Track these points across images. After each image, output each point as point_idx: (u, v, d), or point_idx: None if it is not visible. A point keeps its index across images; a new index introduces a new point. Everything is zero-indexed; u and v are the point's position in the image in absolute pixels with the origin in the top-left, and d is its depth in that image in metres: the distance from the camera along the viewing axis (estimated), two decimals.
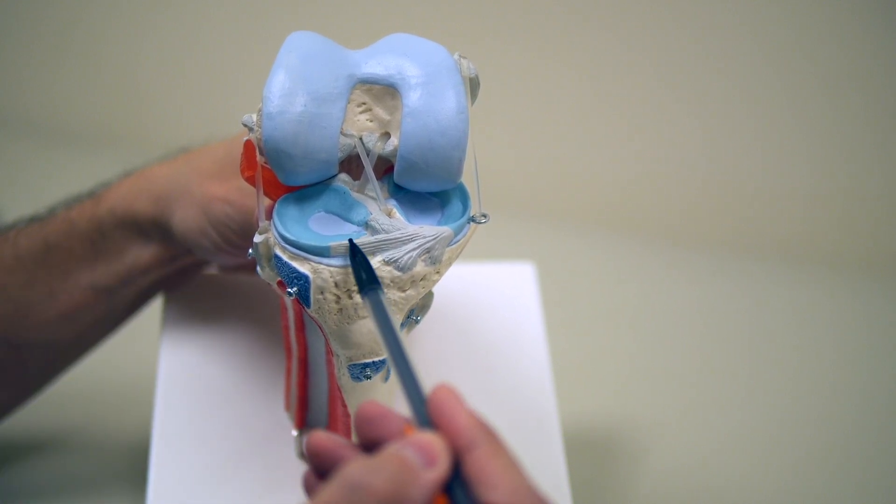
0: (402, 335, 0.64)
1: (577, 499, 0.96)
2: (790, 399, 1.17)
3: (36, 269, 0.89)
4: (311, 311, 0.71)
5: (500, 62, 1.44)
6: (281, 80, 0.69)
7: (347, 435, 0.78)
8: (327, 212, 0.72)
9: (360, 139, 0.72)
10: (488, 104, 1.16)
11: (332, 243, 0.69)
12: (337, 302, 0.70)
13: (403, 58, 0.71)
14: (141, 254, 0.89)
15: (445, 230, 0.71)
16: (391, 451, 0.56)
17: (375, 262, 0.70)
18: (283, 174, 0.70)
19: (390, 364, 0.61)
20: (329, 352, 0.75)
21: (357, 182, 0.73)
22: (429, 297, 0.74)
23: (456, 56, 0.72)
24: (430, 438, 0.57)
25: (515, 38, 1.43)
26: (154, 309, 1.02)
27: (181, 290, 0.94)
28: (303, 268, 0.70)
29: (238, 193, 0.83)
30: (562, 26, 1.42)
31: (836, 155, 1.40)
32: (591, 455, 1.09)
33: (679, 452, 1.10)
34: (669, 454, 1.10)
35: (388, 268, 0.70)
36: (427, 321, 0.92)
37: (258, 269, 0.73)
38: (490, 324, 0.94)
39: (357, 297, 0.70)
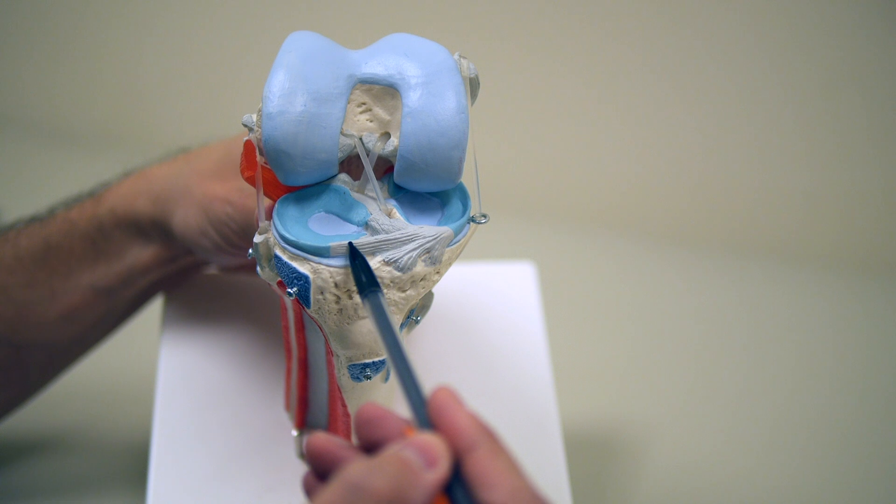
0: (402, 337, 0.64)
1: (577, 499, 0.95)
2: (790, 399, 1.17)
3: (36, 269, 0.89)
4: (311, 311, 0.71)
5: (500, 62, 1.44)
6: (281, 80, 0.69)
7: (347, 435, 0.78)
8: (327, 212, 0.72)
9: (360, 139, 0.72)
10: (488, 104, 1.16)
11: (332, 243, 0.69)
12: (337, 302, 0.70)
13: (403, 58, 0.71)
14: (141, 254, 0.89)
15: (445, 230, 0.71)
16: (391, 452, 0.56)
17: (375, 262, 0.70)
18: (283, 174, 0.70)
19: (390, 366, 0.61)
20: (329, 352, 0.75)
21: (357, 182, 0.73)
22: (429, 297, 0.74)
23: (456, 56, 0.72)
24: (430, 439, 0.57)
25: (515, 38, 1.43)
26: (154, 309, 1.02)
27: (181, 290, 0.94)
28: (303, 268, 0.70)
29: (238, 193, 0.83)
30: (562, 26, 1.42)
31: (836, 155, 1.40)
32: (591, 455, 1.09)
33: (679, 452, 1.10)
34: (669, 454, 1.10)
35: (388, 268, 0.70)
36: (427, 321, 0.92)
37: (258, 269, 0.73)
38: (490, 324, 0.94)
39: (357, 298, 0.70)
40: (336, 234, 0.71)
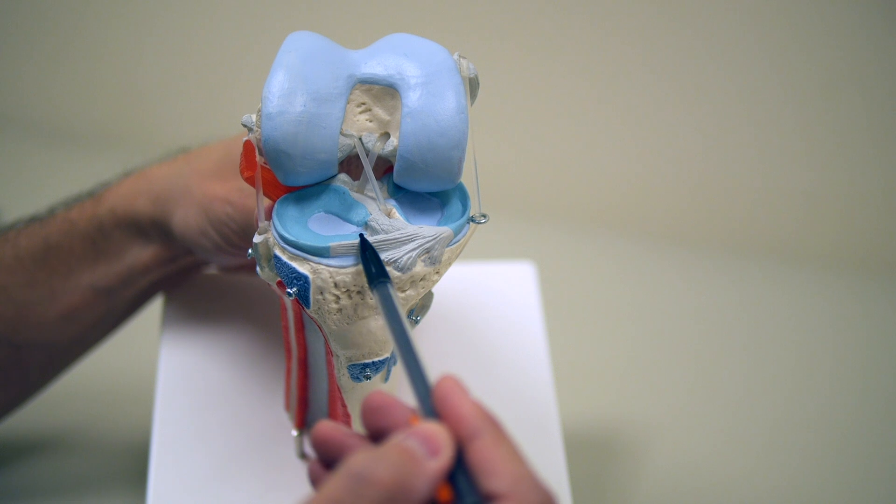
0: (410, 328, 0.64)
1: (577, 499, 0.95)
2: (790, 399, 1.17)
3: (36, 269, 0.89)
4: (311, 311, 0.71)
5: (500, 62, 1.44)
6: (280, 81, 0.69)
7: None
8: (327, 212, 0.72)
9: (360, 139, 0.72)
10: (488, 104, 1.16)
11: (332, 243, 0.69)
12: (336, 302, 0.70)
13: (403, 58, 0.71)
14: (141, 254, 0.89)
15: (445, 230, 0.71)
16: (395, 441, 0.57)
17: None
18: (283, 174, 0.70)
19: (398, 356, 0.62)
20: (329, 352, 0.75)
21: (357, 182, 0.73)
22: (428, 297, 0.74)
23: (456, 56, 0.72)
24: (433, 428, 0.57)
25: (515, 38, 1.43)
26: (154, 309, 1.02)
27: (181, 290, 0.94)
28: (302, 268, 0.70)
29: (238, 193, 0.83)
30: (562, 26, 1.42)
31: (836, 155, 1.40)
32: (591, 455, 1.09)
33: (679, 452, 1.10)
34: (669, 454, 1.10)
35: (388, 268, 0.70)
36: (427, 321, 0.92)
37: (258, 269, 0.73)
38: (490, 324, 0.94)
39: (356, 298, 0.70)
40: (336, 234, 0.71)
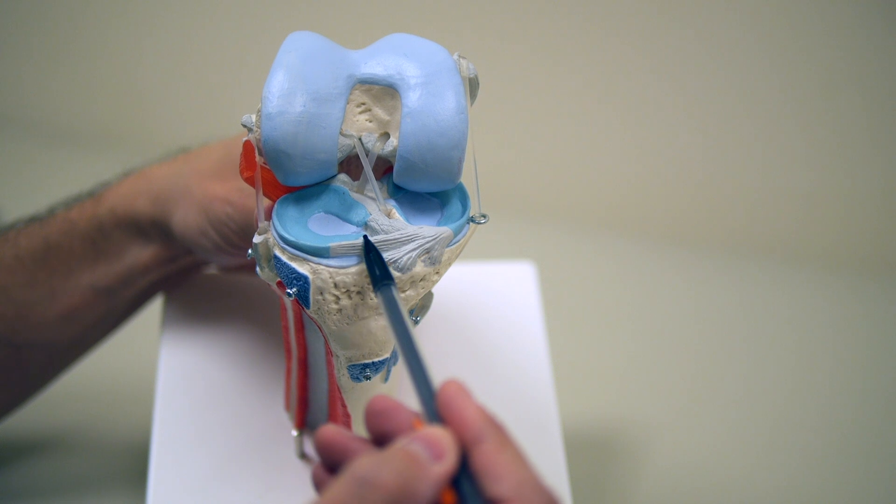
0: (414, 331, 0.64)
1: (577, 499, 0.96)
2: (790, 399, 1.17)
3: (36, 269, 0.89)
4: (311, 311, 0.71)
5: (500, 62, 1.44)
6: (280, 81, 0.69)
7: None
8: (327, 212, 0.72)
9: (360, 139, 0.72)
10: (488, 104, 1.16)
11: (331, 244, 0.69)
12: (336, 303, 0.70)
13: (403, 58, 0.71)
14: (141, 254, 0.89)
15: (445, 230, 0.71)
16: (399, 445, 0.57)
17: None
18: (283, 175, 0.70)
19: (402, 360, 0.62)
20: (329, 352, 0.75)
21: (356, 182, 0.73)
22: (428, 297, 0.74)
23: (455, 56, 0.72)
24: (437, 433, 0.57)
25: (515, 38, 1.43)
26: (154, 309, 1.02)
27: (181, 290, 0.94)
28: (302, 269, 0.70)
29: (238, 193, 0.83)
30: (562, 26, 1.42)
31: (836, 155, 1.40)
32: (591, 455, 1.09)
33: (679, 452, 1.10)
34: (669, 454, 1.10)
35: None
36: (427, 321, 0.92)
37: (257, 269, 0.73)
38: (490, 324, 0.94)
39: (356, 298, 0.70)
40: (336, 234, 0.71)
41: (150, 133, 1.53)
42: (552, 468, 0.87)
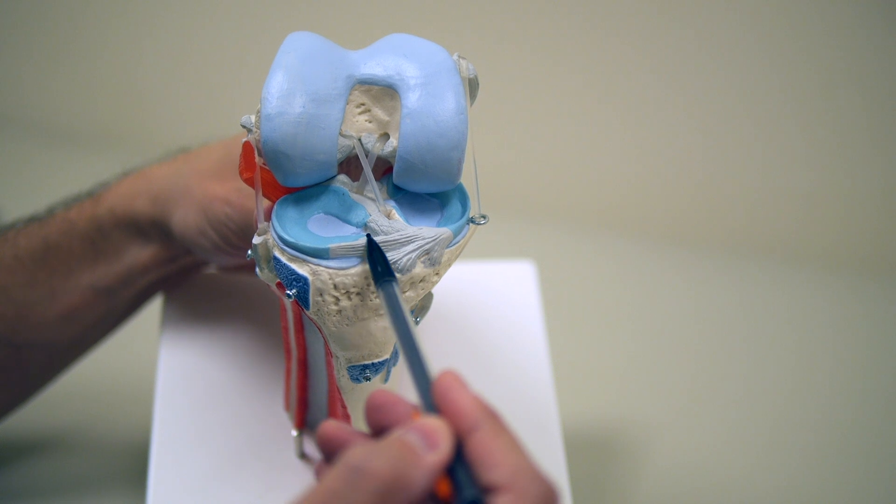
0: (414, 326, 0.64)
1: (577, 499, 0.96)
2: (790, 399, 1.17)
3: (36, 269, 0.89)
4: (310, 313, 0.71)
5: (500, 62, 1.44)
6: (279, 81, 0.69)
7: None
8: (326, 213, 0.72)
9: (359, 140, 0.72)
10: (488, 105, 1.16)
11: (331, 245, 0.69)
12: (336, 304, 0.70)
13: (402, 58, 0.71)
14: (140, 254, 0.89)
15: (445, 231, 0.70)
16: (394, 436, 0.57)
17: None
18: (282, 175, 0.70)
19: (401, 354, 0.62)
20: (328, 353, 0.75)
21: (356, 183, 0.73)
22: (428, 298, 0.74)
23: (455, 56, 0.72)
24: (432, 422, 0.57)
25: (515, 39, 1.43)
26: (154, 309, 1.02)
27: (181, 290, 0.94)
28: (302, 270, 0.70)
29: (237, 194, 0.83)
30: (562, 26, 1.42)
31: (836, 155, 1.40)
32: (591, 455, 1.09)
33: (679, 452, 1.10)
34: (669, 454, 1.10)
35: None
36: (427, 321, 0.92)
37: (257, 270, 0.73)
38: (490, 323, 0.94)
39: (356, 300, 0.70)
40: (335, 235, 0.71)
41: (149, 133, 1.53)
42: (552, 468, 0.87)
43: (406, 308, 0.65)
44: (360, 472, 0.55)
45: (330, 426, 0.60)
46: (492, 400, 0.89)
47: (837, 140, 1.40)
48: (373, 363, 0.73)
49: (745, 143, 1.42)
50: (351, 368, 0.73)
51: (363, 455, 0.56)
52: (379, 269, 0.68)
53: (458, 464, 0.57)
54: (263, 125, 0.69)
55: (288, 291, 0.70)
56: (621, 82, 1.43)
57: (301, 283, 0.70)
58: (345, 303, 0.70)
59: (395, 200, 0.72)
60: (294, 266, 0.70)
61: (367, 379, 0.73)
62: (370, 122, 0.72)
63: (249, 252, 0.72)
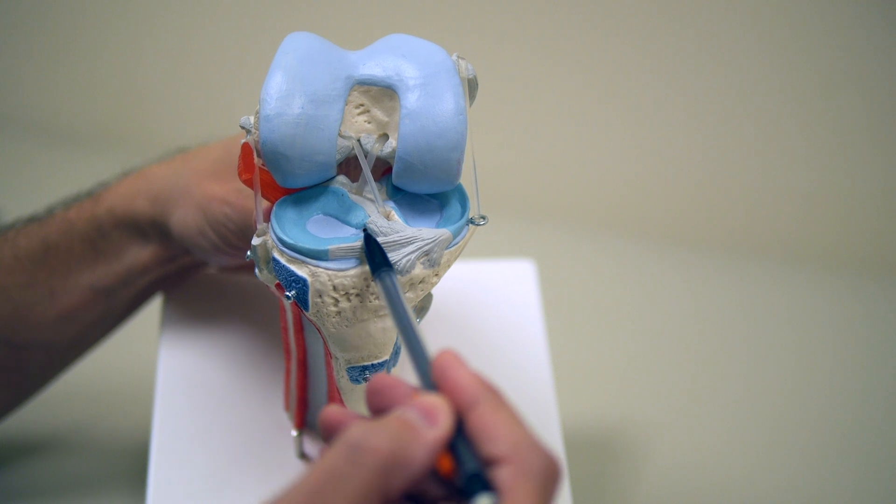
0: (413, 314, 0.64)
1: (577, 499, 0.95)
2: (790, 399, 1.17)
3: (35, 269, 0.89)
4: (310, 314, 0.71)
5: (500, 62, 1.44)
6: (278, 82, 0.69)
7: None
8: (325, 214, 0.72)
9: (359, 141, 0.72)
10: (487, 105, 1.16)
11: (330, 246, 0.69)
12: (335, 305, 0.70)
13: (402, 59, 0.71)
14: (140, 254, 0.89)
15: (444, 232, 0.70)
16: (394, 414, 0.57)
17: None
18: (281, 176, 0.70)
19: (401, 340, 0.62)
20: (328, 353, 0.75)
21: (355, 184, 0.73)
22: (427, 298, 0.74)
23: (454, 57, 0.72)
24: (432, 399, 0.58)
25: (515, 39, 1.43)
26: (154, 309, 1.02)
27: (181, 290, 0.94)
28: (301, 271, 0.70)
29: (236, 194, 0.83)
30: (561, 27, 1.42)
31: (836, 155, 1.40)
32: (591, 455, 1.09)
33: (679, 452, 1.10)
34: (669, 454, 1.10)
35: None
36: (427, 320, 0.92)
37: (256, 271, 0.73)
38: (490, 322, 0.94)
39: (355, 301, 0.70)
40: (334, 236, 0.71)
41: (149, 133, 1.53)
42: None
43: (402, 293, 0.66)
44: (360, 449, 0.55)
45: (332, 411, 0.60)
46: None
47: (837, 140, 1.40)
48: (372, 364, 0.73)
49: (744, 144, 1.42)
50: (350, 369, 0.73)
51: (363, 433, 0.56)
52: (376, 259, 0.68)
53: (459, 439, 0.57)
54: (262, 126, 0.69)
55: (287, 293, 0.70)
56: (621, 83, 1.43)
57: (300, 284, 0.70)
58: (344, 304, 0.70)
59: (395, 201, 0.72)
60: (293, 267, 0.70)
61: (367, 380, 0.73)
62: (369, 122, 0.72)
63: (249, 253, 0.72)
